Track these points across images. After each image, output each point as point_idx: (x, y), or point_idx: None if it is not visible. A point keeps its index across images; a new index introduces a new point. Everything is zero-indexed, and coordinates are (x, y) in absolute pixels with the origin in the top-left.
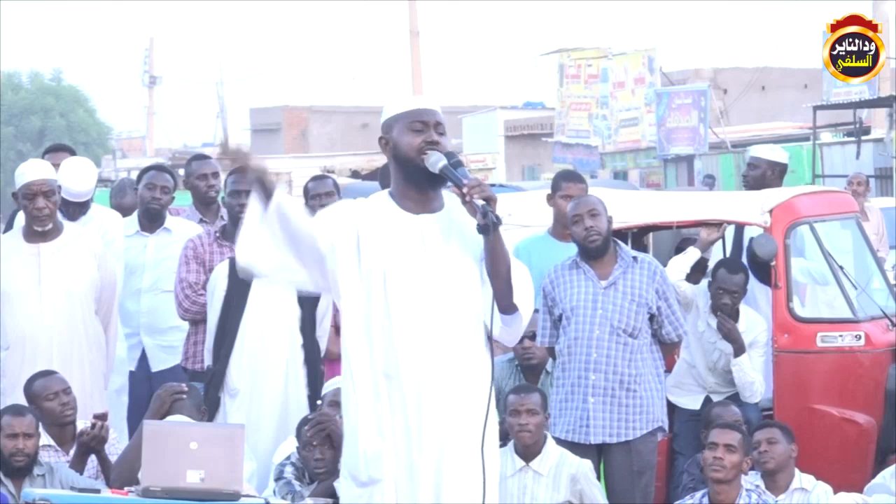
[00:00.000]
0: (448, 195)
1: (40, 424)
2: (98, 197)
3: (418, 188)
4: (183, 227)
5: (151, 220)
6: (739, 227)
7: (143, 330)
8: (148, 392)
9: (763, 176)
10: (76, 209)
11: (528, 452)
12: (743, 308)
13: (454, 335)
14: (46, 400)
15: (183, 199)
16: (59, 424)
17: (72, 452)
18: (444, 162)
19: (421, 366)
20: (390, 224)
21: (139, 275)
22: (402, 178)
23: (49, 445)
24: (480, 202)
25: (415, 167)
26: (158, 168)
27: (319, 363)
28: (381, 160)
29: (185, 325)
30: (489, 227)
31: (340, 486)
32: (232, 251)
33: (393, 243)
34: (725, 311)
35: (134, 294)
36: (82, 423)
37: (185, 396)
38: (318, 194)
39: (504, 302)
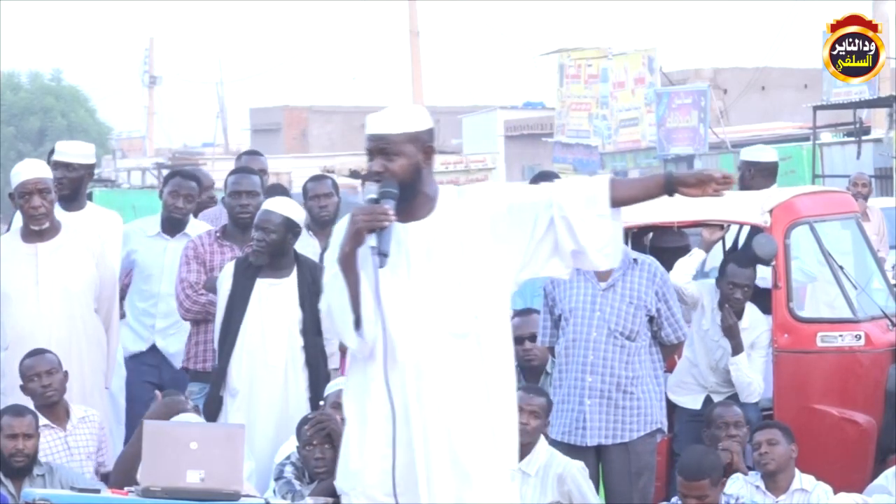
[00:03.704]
0: (443, 197)
1: (33, 405)
2: (98, 197)
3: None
4: (202, 231)
5: (173, 226)
6: (738, 227)
7: (158, 335)
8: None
9: (752, 177)
10: (82, 179)
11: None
12: (748, 306)
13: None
14: (30, 381)
15: None
16: (45, 405)
17: (68, 426)
18: (370, 196)
19: (409, 380)
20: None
21: (157, 278)
22: None
23: (46, 425)
24: (372, 244)
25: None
26: (183, 175)
27: (322, 365)
28: None
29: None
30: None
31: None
32: (233, 251)
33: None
34: (737, 306)
35: (152, 297)
36: (83, 409)
37: (188, 407)
38: (318, 195)
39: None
